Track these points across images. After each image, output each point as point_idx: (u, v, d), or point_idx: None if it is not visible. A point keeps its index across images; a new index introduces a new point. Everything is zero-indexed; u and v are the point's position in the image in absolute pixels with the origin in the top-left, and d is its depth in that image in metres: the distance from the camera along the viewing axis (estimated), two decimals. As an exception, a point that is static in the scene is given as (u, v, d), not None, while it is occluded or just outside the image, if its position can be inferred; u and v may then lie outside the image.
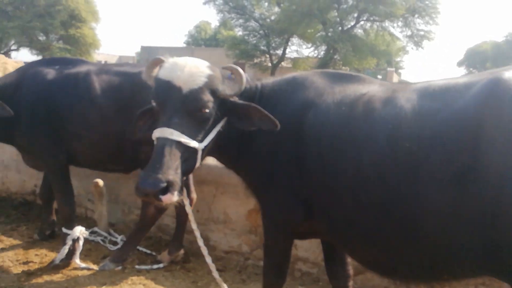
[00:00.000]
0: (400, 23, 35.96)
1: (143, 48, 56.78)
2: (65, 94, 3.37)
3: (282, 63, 40.84)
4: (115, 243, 4.20)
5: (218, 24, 69.75)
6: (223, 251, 4.07)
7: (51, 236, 4.21)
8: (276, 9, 41.94)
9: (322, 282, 3.53)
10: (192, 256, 3.99)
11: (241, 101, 2.26)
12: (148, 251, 4.03)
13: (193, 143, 2.05)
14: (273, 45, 41.78)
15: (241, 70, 2.22)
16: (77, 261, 3.63)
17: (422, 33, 35.86)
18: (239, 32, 42.91)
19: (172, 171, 1.94)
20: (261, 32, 41.00)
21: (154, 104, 2.23)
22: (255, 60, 41.69)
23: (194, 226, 2.63)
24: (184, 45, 72.83)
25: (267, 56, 41.62)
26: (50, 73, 3.47)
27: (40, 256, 3.85)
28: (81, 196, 4.74)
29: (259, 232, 3.92)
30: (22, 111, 3.31)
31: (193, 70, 2.11)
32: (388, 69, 45.04)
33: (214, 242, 4.12)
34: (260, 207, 2.52)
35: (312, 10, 34.76)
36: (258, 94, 2.44)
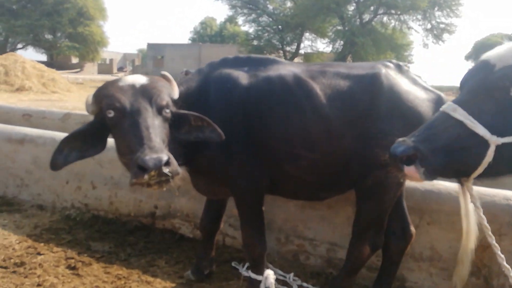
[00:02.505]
0: (419, 16, 35.24)
1: (149, 45, 56.03)
2: (273, 104, 2.54)
3: (295, 59, 40.07)
4: (284, 282, 3.42)
5: (223, 20, 68.98)
6: (425, 292, 3.30)
7: (208, 276, 3.44)
8: (289, 3, 41.08)
9: None
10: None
11: None
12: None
13: (481, 130, 1.60)
14: (287, 39, 40.95)
15: None
16: (268, 313, 2.86)
17: (442, 26, 35.17)
18: (250, 28, 42.00)
19: (429, 143, 1.62)
20: (274, 27, 40.16)
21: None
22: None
23: (500, 260, 1.87)
24: (189, 41, 72.10)
25: (280, 52, 40.84)
26: (242, 76, 2.64)
27: (211, 304, 3.08)
28: (219, 221, 3.95)
29: (484, 274, 3.15)
30: None
31: None
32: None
33: (414, 284, 3.33)
34: None
35: (329, 4, 33.97)
36: None
